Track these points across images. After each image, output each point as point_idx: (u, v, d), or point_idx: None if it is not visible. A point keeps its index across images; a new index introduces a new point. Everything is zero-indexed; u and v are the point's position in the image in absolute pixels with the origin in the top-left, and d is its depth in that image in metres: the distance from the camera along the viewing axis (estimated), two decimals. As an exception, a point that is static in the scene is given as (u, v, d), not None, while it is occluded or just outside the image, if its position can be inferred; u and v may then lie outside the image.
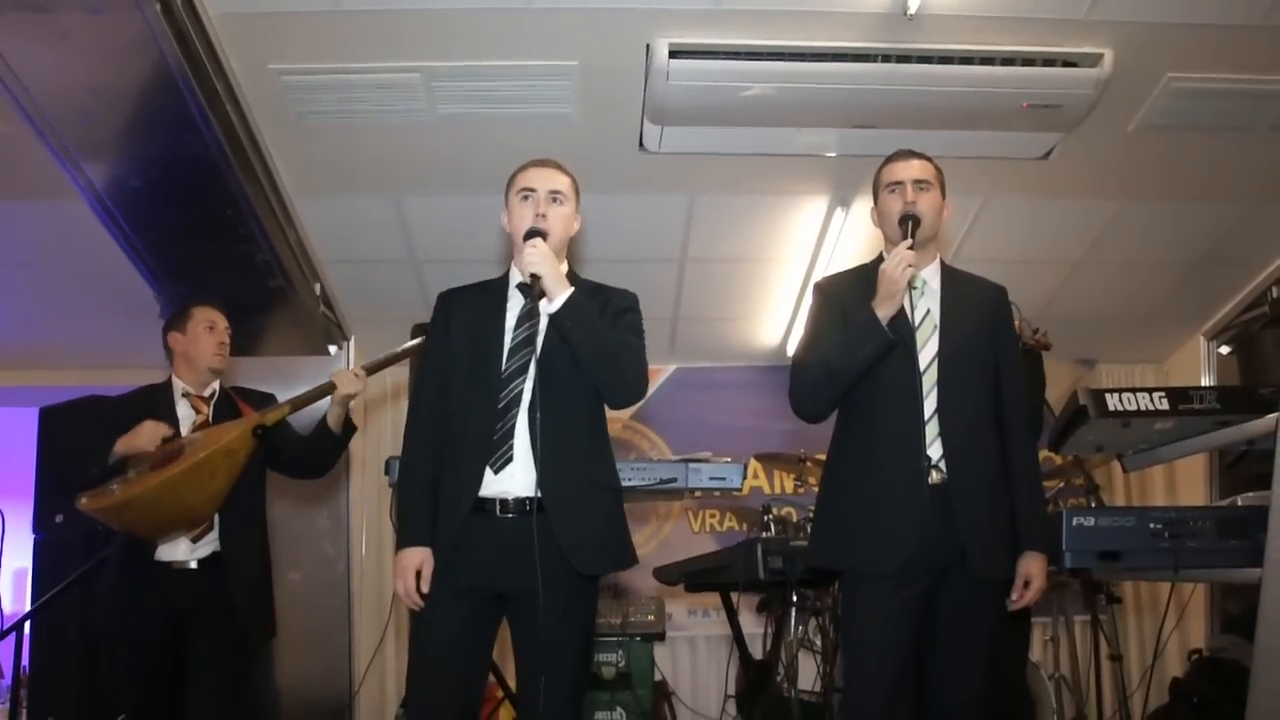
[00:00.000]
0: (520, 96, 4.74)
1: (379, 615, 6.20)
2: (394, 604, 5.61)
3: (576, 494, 2.88)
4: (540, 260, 2.87)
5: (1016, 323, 3.85)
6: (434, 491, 2.94)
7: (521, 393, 2.90)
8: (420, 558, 2.90)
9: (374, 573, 6.57)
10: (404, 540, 2.94)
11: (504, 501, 2.87)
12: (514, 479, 2.87)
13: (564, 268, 3.04)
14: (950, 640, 2.99)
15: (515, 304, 3.03)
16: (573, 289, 2.90)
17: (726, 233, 5.87)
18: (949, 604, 3.00)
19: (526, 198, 3.00)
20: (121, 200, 4.81)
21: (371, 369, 3.92)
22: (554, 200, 3.01)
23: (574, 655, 2.90)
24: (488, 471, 2.88)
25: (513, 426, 2.89)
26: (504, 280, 3.10)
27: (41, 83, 4.19)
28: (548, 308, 2.88)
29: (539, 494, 2.83)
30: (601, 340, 2.89)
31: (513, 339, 2.97)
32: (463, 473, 2.89)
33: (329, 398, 3.86)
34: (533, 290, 2.88)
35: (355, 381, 3.80)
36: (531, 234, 2.92)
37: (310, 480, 4.39)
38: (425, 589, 2.88)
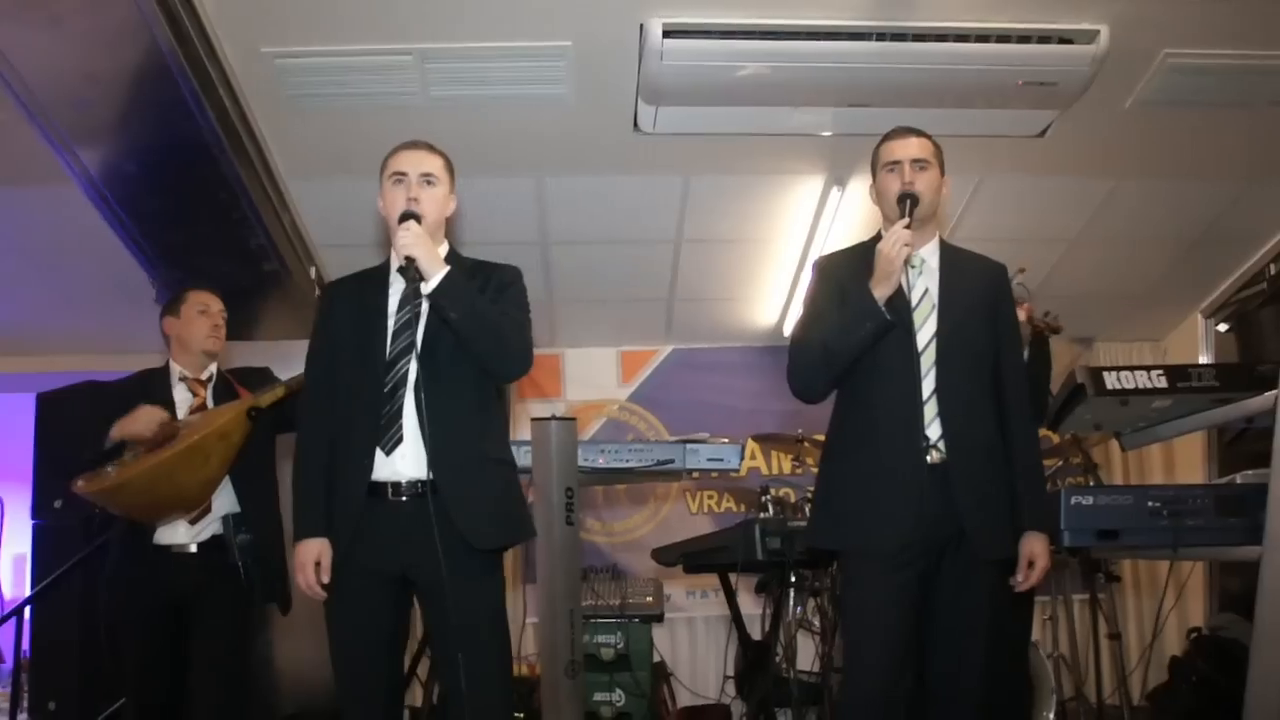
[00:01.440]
0: (514, 78, 4.72)
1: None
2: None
3: (468, 471, 2.90)
4: (414, 242, 2.88)
5: (1025, 306, 3.84)
6: (328, 480, 2.95)
7: (407, 374, 2.92)
8: (318, 549, 2.91)
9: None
10: (300, 532, 2.95)
11: (396, 484, 2.90)
12: (405, 460, 2.89)
13: (444, 249, 3.07)
14: (950, 620, 2.99)
15: (397, 288, 3.04)
16: (448, 268, 2.91)
17: (722, 213, 5.85)
18: (949, 584, 2.99)
19: (399, 181, 3.02)
20: (116, 186, 4.79)
21: None
22: (426, 183, 3.02)
23: (488, 631, 2.93)
24: (379, 454, 2.90)
25: (400, 408, 2.91)
26: (385, 266, 3.11)
27: (35, 69, 4.17)
28: (425, 288, 2.88)
29: (430, 474, 2.86)
30: (479, 316, 2.91)
31: (395, 322, 2.99)
32: (354, 457, 2.91)
33: None
34: (409, 272, 2.88)
35: None
36: (405, 217, 2.94)
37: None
38: (325, 579, 2.90)
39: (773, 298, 6.71)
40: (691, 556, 4.96)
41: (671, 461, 4.31)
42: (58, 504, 5.22)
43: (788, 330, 6.66)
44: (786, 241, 6.14)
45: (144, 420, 3.63)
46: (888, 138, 3.20)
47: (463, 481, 2.88)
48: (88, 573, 4.74)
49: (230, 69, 4.57)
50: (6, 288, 6.25)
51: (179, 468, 3.54)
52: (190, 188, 4.85)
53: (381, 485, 2.90)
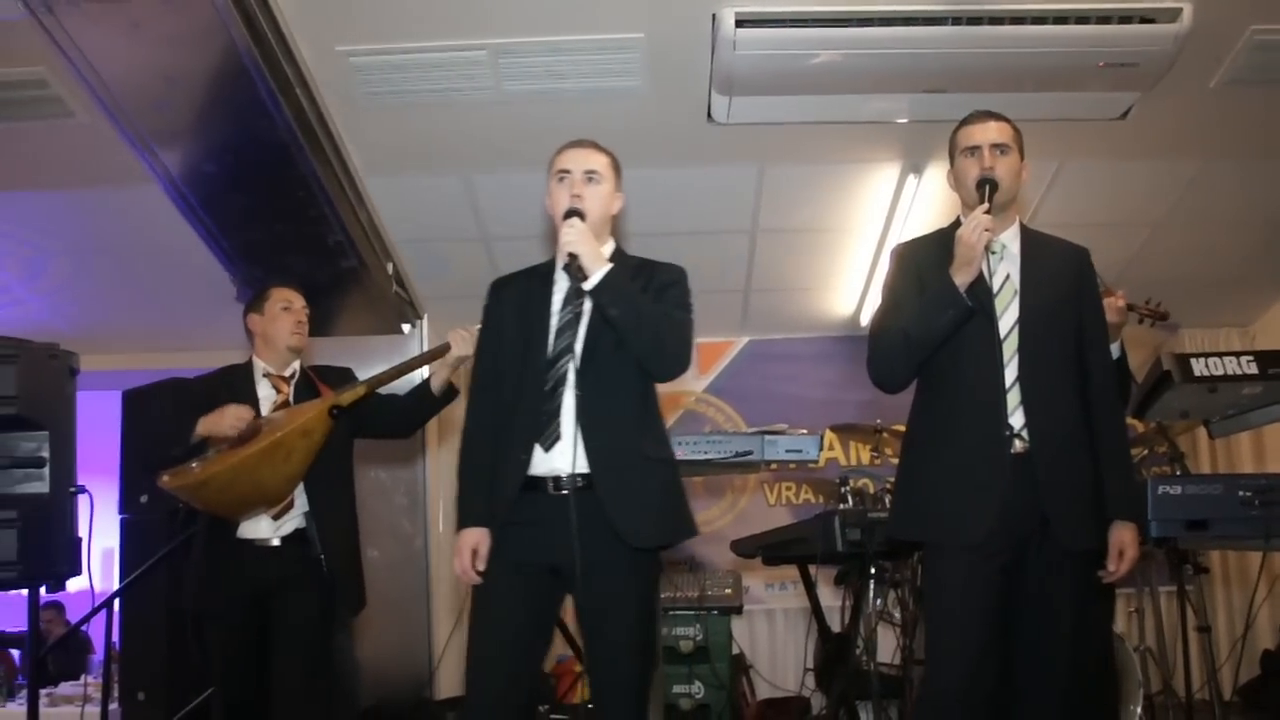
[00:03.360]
0: (587, 71, 4.73)
1: (457, 591, 6.25)
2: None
3: (626, 469, 2.90)
4: (577, 239, 2.89)
5: (1119, 294, 3.75)
6: (490, 472, 2.98)
7: (567, 372, 2.93)
8: (477, 537, 2.94)
9: (452, 549, 6.61)
10: (461, 521, 2.99)
11: (555, 479, 2.90)
12: (564, 456, 2.89)
13: (609, 246, 3.07)
14: (1036, 613, 2.94)
15: (561, 286, 3.05)
16: (610, 265, 2.91)
17: (797, 202, 5.81)
18: (1034, 576, 2.94)
19: (562, 179, 3.03)
20: (196, 185, 4.87)
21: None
22: (590, 180, 3.02)
23: (634, 629, 2.91)
24: (538, 450, 2.91)
25: (559, 405, 2.92)
26: (549, 264, 3.12)
27: (116, 72, 4.25)
28: (587, 285, 2.89)
29: (587, 470, 2.87)
30: (640, 314, 2.91)
31: (559, 320, 3.01)
32: (513, 451, 2.93)
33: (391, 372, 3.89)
34: (572, 270, 2.89)
35: (470, 342, 3.71)
36: (569, 214, 2.94)
37: (395, 442, 4.42)
38: (482, 567, 2.93)
39: (849, 287, 6.66)
40: (770, 548, 4.93)
41: (750, 453, 4.28)
42: (144, 499, 5.29)
43: (864, 320, 6.62)
44: (863, 230, 6.09)
45: (229, 419, 3.67)
46: (966, 122, 3.15)
47: (621, 479, 2.88)
48: (173, 566, 4.81)
49: (306, 68, 4.62)
50: (92, 287, 6.40)
51: (261, 464, 3.58)
52: (268, 186, 4.92)
53: (539, 480, 2.91)
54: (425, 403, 3.94)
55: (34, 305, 6.59)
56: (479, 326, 3.71)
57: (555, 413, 2.91)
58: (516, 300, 3.11)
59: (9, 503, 3.71)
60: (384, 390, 3.92)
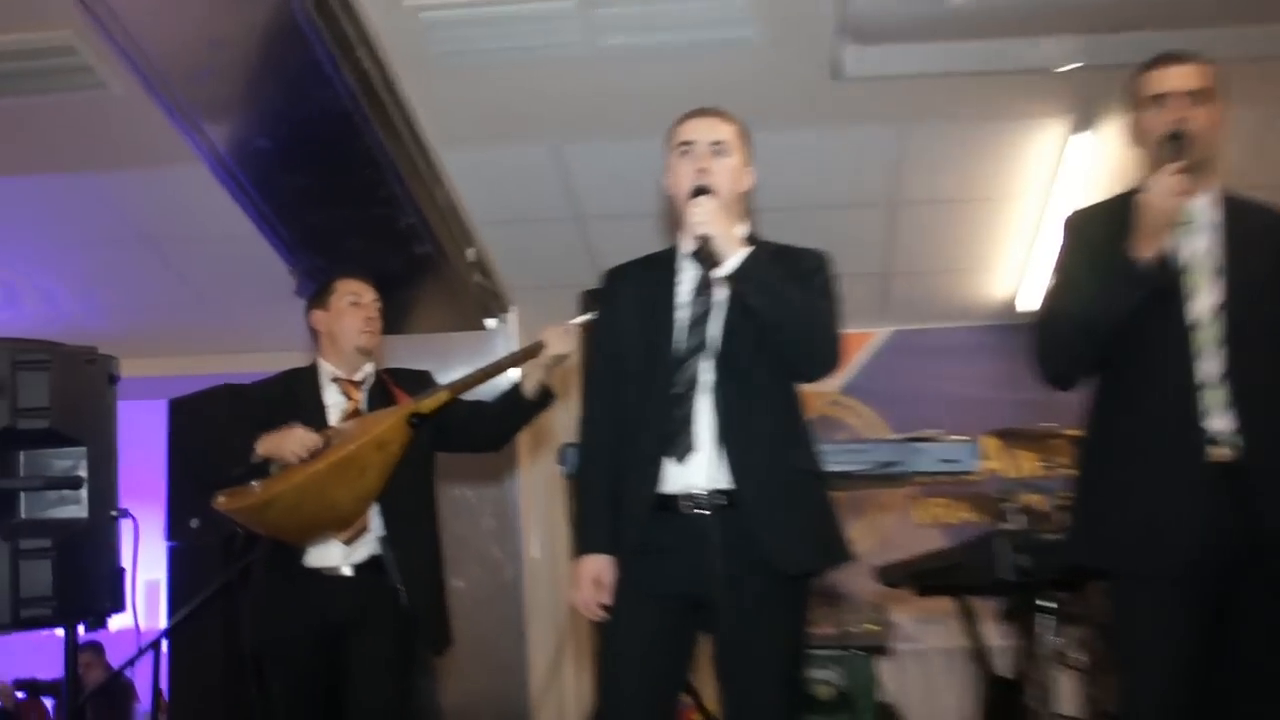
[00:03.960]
0: (691, 19, 4.70)
1: (556, 627, 6.30)
2: (573, 615, 5.68)
3: (774, 483, 2.89)
4: (708, 219, 2.88)
5: None
6: (615, 490, 3.00)
7: (700, 373, 2.93)
8: (600, 566, 2.95)
9: (548, 578, 6.67)
10: (583, 546, 3.00)
11: (690, 496, 2.89)
12: (700, 471, 2.89)
13: (744, 229, 3.06)
14: (1256, 655, 2.86)
15: (688, 275, 3.05)
16: (750, 249, 2.90)
17: (944, 168, 5.75)
18: (1252, 611, 2.85)
19: (685, 152, 3.03)
20: (248, 164, 4.96)
21: (583, 331, 3.88)
22: (717, 152, 3.02)
23: (782, 671, 2.91)
24: (670, 464, 2.91)
25: (692, 412, 2.92)
26: (672, 251, 3.13)
27: (156, 38, 4.33)
28: (721, 273, 2.88)
29: (729, 485, 2.86)
30: (785, 303, 2.89)
31: (688, 314, 3.01)
32: (643, 468, 2.93)
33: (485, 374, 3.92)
34: (703, 255, 2.88)
35: (567, 339, 3.78)
36: (696, 192, 2.94)
37: (482, 456, 4.43)
38: (607, 600, 2.94)
39: (1007, 267, 6.59)
40: (923, 576, 4.89)
41: (896, 464, 4.24)
42: (195, 523, 5.39)
43: (1025, 304, 6.53)
44: (1022, 199, 6.01)
45: (295, 444, 3.69)
46: (1152, 65, 3.07)
47: (768, 495, 2.88)
48: (230, 600, 4.90)
49: (370, 26, 4.67)
50: (132, 282, 6.55)
51: (331, 481, 3.63)
52: (330, 163, 5.00)
53: (672, 499, 2.92)
54: (517, 410, 3.96)
55: (66, 303, 6.78)
56: (578, 320, 3.75)
57: (688, 420, 2.91)
58: (636, 292, 3.11)
59: (42, 529, 3.83)
60: (468, 396, 3.95)
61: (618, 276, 3.20)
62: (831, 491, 3.06)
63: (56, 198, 5.90)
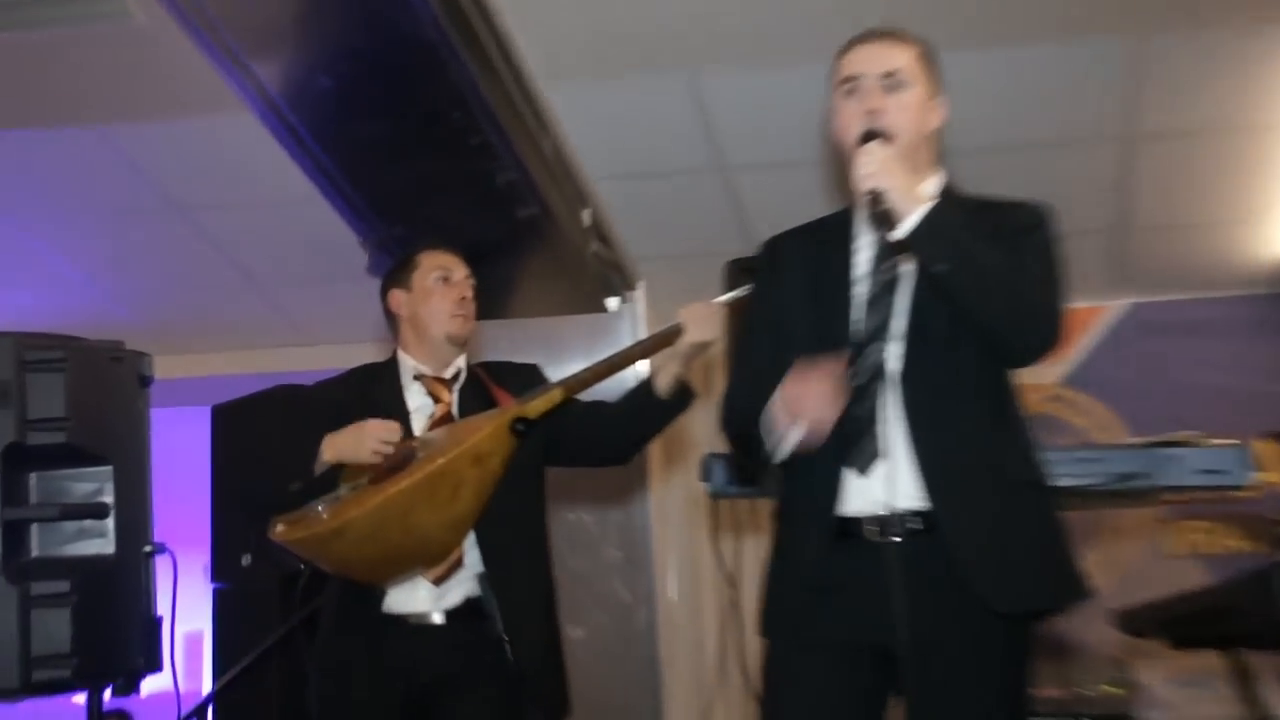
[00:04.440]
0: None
1: (700, 687, 6.30)
2: (722, 670, 5.68)
3: (981, 499, 2.86)
4: (880, 169, 2.85)
5: None
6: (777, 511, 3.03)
7: (884, 363, 2.92)
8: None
9: (690, 626, 6.69)
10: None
11: (878, 518, 2.88)
12: (888, 484, 2.87)
13: (934, 180, 3.06)
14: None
15: (866, 242, 3.06)
16: (931, 203, 2.86)
17: (1198, 89, 5.65)
18: None
19: (851, 91, 3.02)
20: (305, 109, 5.02)
21: (730, 310, 3.88)
22: (891, 87, 3.00)
23: None
24: (850, 477, 2.90)
25: (876, 409, 2.90)
26: (846, 213, 3.14)
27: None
28: (898, 235, 2.85)
29: (925, 503, 2.85)
30: (983, 268, 2.85)
31: (868, 290, 3.00)
32: (815, 482, 2.93)
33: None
34: (877, 215, 2.86)
35: (711, 321, 3.77)
36: (865, 137, 2.92)
37: (604, 471, 4.45)
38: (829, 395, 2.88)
39: (1284, 218, 6.48)
40: (1179, 624, 4.80)
41: (1139, 476, 4.18)
42: (246, 560, 5.50)
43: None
44: (1303, 128, 5.90)
45: (371, 439, 3.73)
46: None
47: (975, 515, 2.86)
48: (290, 656, 4.96)
49: (456, -70, 4.71)
50: (164, 259, 6.65)
51: (417, 504, 3.64)
52: (409, 106, 5.04)
53: (853, 521, 2.90)
54: (648, 413, 3.97)
55: (83, 286, 6.94)
56: (725, 298, 3.74)
57: (870, 420, 2.89)
58: (802, 265, 3.11)
59: (59, 569, 3.87)
60: (586, 396, 3.97)
61: (777, 246, 3.21)
62: (1057, 506, 3.03)
63: (71, 156, 5.99)
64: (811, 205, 3.20)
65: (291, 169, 5.36)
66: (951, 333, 2.90)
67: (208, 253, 6.57)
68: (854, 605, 2.88)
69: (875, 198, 2.84)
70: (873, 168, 2.85)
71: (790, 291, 3.10)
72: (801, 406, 2.82)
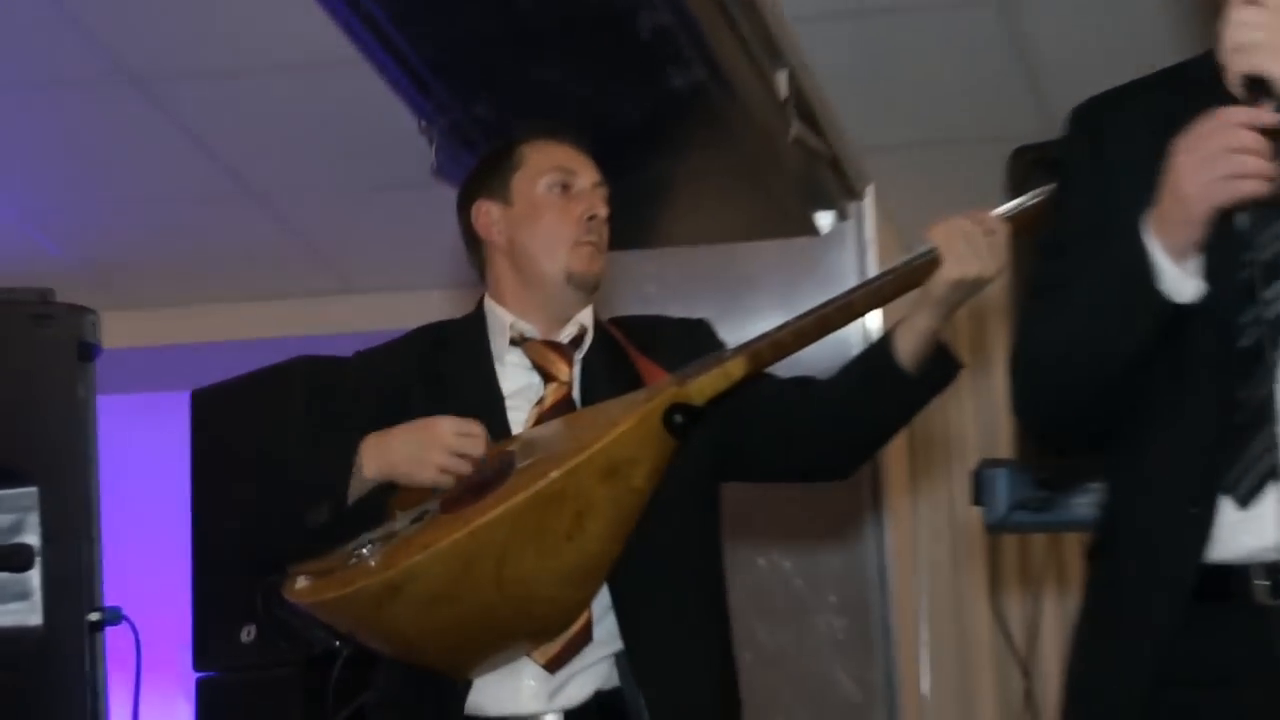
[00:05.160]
0: None
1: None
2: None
3: None
4: (1267, 36, 2.79)
5: None
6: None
7: None
8: None
9: (958, 709, 6.68)
10: None
11: (1271, 569, 2.83)
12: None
13: None
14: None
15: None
16: None
17: None
18: None
19: None
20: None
21: (1017, 225, 3.85)
22: None
23: None
24: (1227, 505, 2.85)
25: (1273, 398, 2.85)
26: (1205, 61, 3.05)
27: None
28: None
29: None
30: None
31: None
32: (1163, 514, 2.91)
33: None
34: (1255, 92, 2.80)
35: (986, 247, 3.71)
36: None
37: (814, 489, 4.44)
38: None
39: None
40: None
41: None
42: (248, 634, 5.47)
43: None
44: None
45: (441, 445, 3.72)
46: None
47: None
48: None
49: None
50: (108, 157, 6.66)
51: (518, 544, 3.62)
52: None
53: (1230, 574, 2.87)
54: (884, 394, 3.92)
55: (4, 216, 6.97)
56: (1009, 207, 3.68)
57: (1265, 412, 2.85)
58: (1146, 141, 3.02)
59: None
60: (782, 369, 3.95)
61: (1099, 116, 3.17)
62: None
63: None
64: (1139, 47, 3.14)
65: (314, 16, 5.38)
66: None
67: (184, 149, 6.60)
68: (1237, 706, 2.85)
69: (1254, 84, 2.80)
70: (1247, 34, 2.81)
71: (1126, 184, 3.04)
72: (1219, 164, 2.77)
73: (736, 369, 3.81)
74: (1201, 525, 2.84)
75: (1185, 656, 2.83)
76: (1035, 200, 3.76)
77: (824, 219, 6.27)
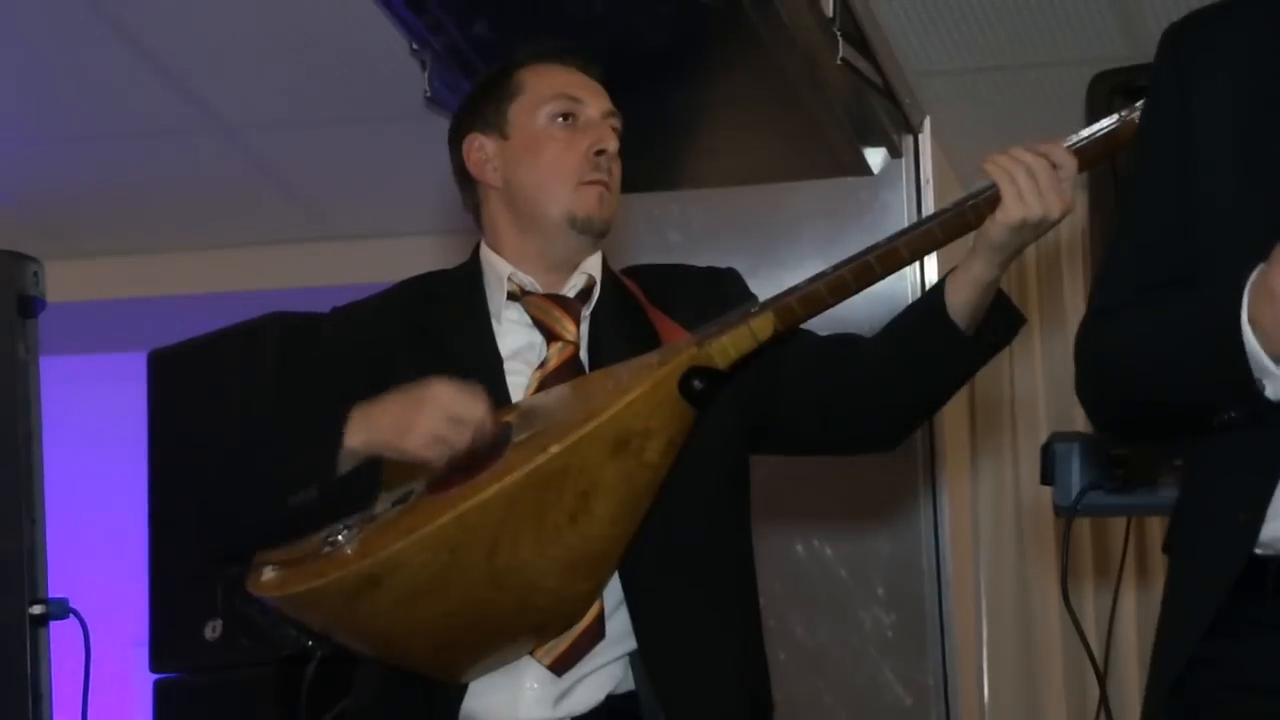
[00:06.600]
0: None
1: None
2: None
3: None
4: None
5: None
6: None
7: None
8: None
9: (1022, 716, 6.70)
10: None
11: None
12: None
13: None
14: None
15: None
16: None
17: None
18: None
19: None
20: None
21: (1089, 157, 3.82)
22: None
23: None
24: None
25: None
26: None
27: None
28: None
29: None
30: None
31: None
32: (1222, 483, 2.95)
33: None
34: None
35: (1054, 185, 3.63)
36: None
37: (853, 459, 4.45)
38: None
39: None
40: None
41: None
42: (213, 631, 5.50)
43: None
44: None
45: (432, 414, 3.67)
46: None
47: None
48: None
49: None
50: (49, 78, 6.67)
51: (515, 527, 3.61)
52: None
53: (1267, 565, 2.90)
54: (935, 353, 3.90)
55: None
56: (1082, 137, 3.66)
57: None
58: (1248, 62, 3.06)
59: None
60: (818, 324, 3.95)
61: (1193, 37, 3.16)
62: None
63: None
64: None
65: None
66: None
67: (140, 74, 6.62)
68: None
69: None
70: None
71: (1220, 113, 3.04)
72: None
73: (764, 327, 3.78)
74: (1260, 498, 2.85)
75: (1241, 645, 2.86)
76: (1112, 127, 3.70)
77: (874, 156, 6.27)
